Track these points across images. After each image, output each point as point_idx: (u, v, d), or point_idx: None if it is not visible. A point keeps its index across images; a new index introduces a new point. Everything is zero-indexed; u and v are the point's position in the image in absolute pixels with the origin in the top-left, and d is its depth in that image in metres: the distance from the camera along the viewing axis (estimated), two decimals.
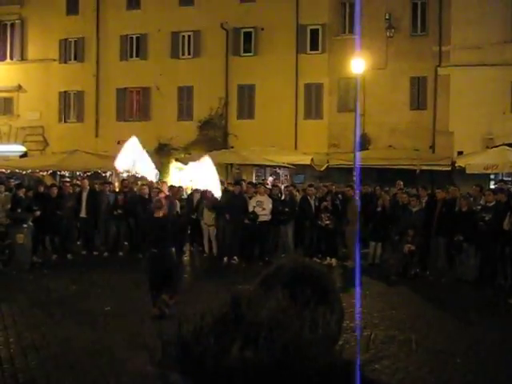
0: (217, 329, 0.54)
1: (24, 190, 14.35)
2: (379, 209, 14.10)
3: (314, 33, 25.00)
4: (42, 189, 15.11)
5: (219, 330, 0.53)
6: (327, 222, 14.02)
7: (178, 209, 14.92)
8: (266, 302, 0.58)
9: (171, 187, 16.05)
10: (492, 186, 18.49)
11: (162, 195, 9.34)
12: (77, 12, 27.89)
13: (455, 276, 12.32)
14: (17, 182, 16.48)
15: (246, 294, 0.57)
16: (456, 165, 19.78)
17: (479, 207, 12.60)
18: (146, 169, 8.99)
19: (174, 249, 9.11)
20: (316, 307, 0.89)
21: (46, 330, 8.20)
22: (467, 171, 18.43)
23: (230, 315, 0.56)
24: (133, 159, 8.97)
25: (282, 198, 15.30)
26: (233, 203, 14.40)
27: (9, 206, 13.80)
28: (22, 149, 28.33)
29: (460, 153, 22.07)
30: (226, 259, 14.37)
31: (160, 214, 8.90)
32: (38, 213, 13.77)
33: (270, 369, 0.51)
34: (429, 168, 19.85)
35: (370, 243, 14.08)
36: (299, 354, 0.53)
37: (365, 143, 22.97)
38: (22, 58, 28.84)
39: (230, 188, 15.36)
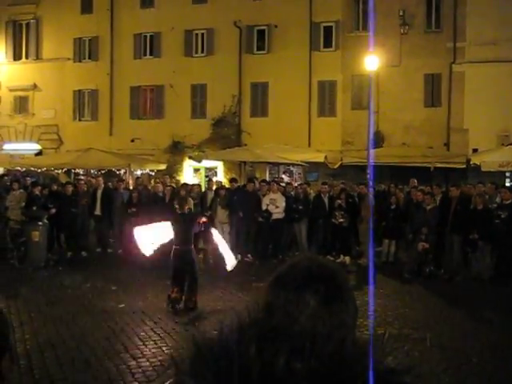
0: (257, 339, 0.52)
1: (40, 187, 14.47)
2: (393, 206, 14.04)
3: (328, 30, 24.91)
4: (55, 187, 15.24)
5: (260, 341, 0.52)
6: (341, 219, 13.98)
7: (192, 206, 14.96)
8: (300, 309, 0.58)
9: (184, 185, 16.09)
10: (508, 184, 18.30)
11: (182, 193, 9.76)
12: (91, 11, 28.05)
13: (470, 274, 12.23)
14: (32, 180, 16.62)
15: (278, 301, 0.56)
16: (471, 162, 19.60)
17: (495, 205, 12.49)
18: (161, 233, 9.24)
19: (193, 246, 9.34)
20: (331, 306, 0.89)
21: (62, 326, 8.28)
22: (482, 169, 18.25)
23: (266, 324, 0.55)
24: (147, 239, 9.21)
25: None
26: (246, 201, 14.41)
27: (24, 203, 13.93)
28: (37, 147, 28.58)
29: (475, 150, 21.87)
30: (239, 257, 14.38)
31: (183, 211, 9.33)
32: (54, 210, 13.88)
33: (321, 379, 0.50)
34: (443, 166, 19.69)
35: (384, 241, 14.02)
36: (344, 360, 0.52)
37: (378, 141, 22.85)
38: (37, 58, 29.07)
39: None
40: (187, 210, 9.66)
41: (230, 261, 9.19)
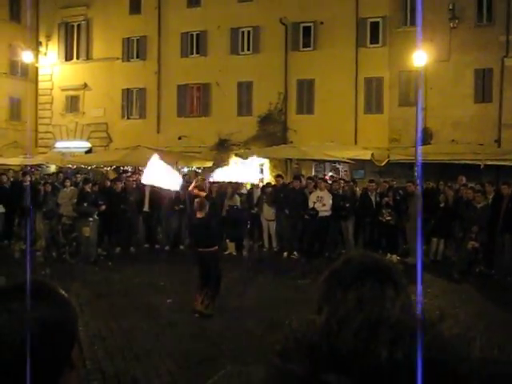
0: (357, 330, 0.54)
1: (90, 184, 14.85)
2: (442, 204, 13.78)
3: (375, 26, 24.60)
4: (108, 183, 15.61)
5: (359, 333, 0.54)
6: (388, 217, 13.83)
7: (239, 203, 15.08)
8: (388, 302, 0.59)
9: (230, 183, 16.19)
10: None
11: (202, 194, 9.36)
12: (139, 11, 28.54)
13: None
14: (83, 177, 17.05)
15: (364, 297, 0.58)
16: None
17: None
18: (170, 181, 9.24)
19: (216, 248, 9.06)
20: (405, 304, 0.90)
21: (111, 320, 8.48)
22: None
23: (359, 317, 0.57)
24: (155, 175, 9.28)
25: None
26: (292, 198, 14.41)
27: (75, 200, 14.32)
28: (88, 145, 29.30)
29: None
30: (285, 254, 14.41)
31: (202, 214, 8.85)
32: (104, 207, 14.22)
33: (422, 367, 0.52)
34: (494, 163, 19.17)
35: (432, 240, 13.79)
36: (441, 348, 0.54)
37: (426, 138, 22.44)
38: (88, 58, 29.79)
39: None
40: (203, 215, 8.95)
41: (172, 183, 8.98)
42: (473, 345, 0.56)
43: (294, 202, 14.32)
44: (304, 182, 15.47)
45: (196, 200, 9.13)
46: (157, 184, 9.06)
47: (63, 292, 1.21)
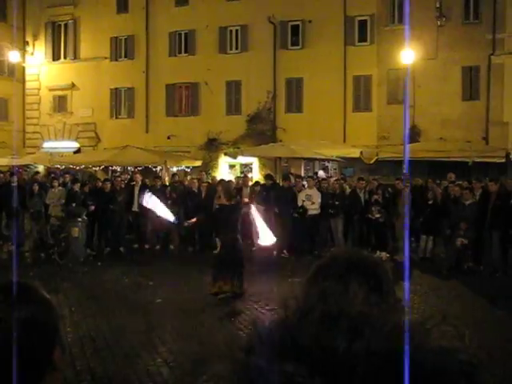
0: (318, 321, 0.55)
1: (79, 184, 14.77)
2: (430, 202, 13.85)
3: (362, 24, 24.66)
4: (99, 183, 15.55)
5: (319, 325, 0.55)
6: (377, 215, 13.88)
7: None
8: (351, 296, 0.60)
9: (221, 181, 16.18)
10: None
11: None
12: (127, 10, 28.42)
13: (510, 270, 11.98)
14: (72, 177, 16.96)
15: (328, 290, 0.58)
16: (511, 156, 19.18)
17: None
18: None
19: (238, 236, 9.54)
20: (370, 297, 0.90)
21: (101, 320, 8.45)
22: None
23: (321, 310, 0.57)
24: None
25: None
26: (281, 197, 14.42)
27: (63, 200, 14.24)
28: (76, 145, 29.13)
29: None
30: (275, 253, 14.42)
31: (230, 201, 9.53)
32: (93, 208, 14.16)
33: (381, 358, 0.53)
34: (482, 160, 19.29)
35: (422, 237, 13.86)
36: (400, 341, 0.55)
37: (415, 135, 22.53)
38: (75, 57, 29.61)
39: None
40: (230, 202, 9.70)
41: (265, 237, 9.30)
42: (431, 334, 0.56)
43: (282, 200, 14.33)
44: (293, 180, 15.49)
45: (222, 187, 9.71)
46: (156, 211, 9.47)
47: (44, 293, 1.20)
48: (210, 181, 16.73)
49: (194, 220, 10.03)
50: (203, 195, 15.34)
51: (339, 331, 0.51)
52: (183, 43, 27.57)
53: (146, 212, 15.21)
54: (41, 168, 24.26)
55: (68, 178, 16.54)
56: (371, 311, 0.56)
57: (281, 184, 15.37)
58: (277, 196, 14.42)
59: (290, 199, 14.44)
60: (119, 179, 16.30)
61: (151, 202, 9.69)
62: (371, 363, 0.51)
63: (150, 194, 9.70)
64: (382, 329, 0.53)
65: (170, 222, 9.22)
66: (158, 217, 9.73)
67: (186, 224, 10.13)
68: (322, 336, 0.53)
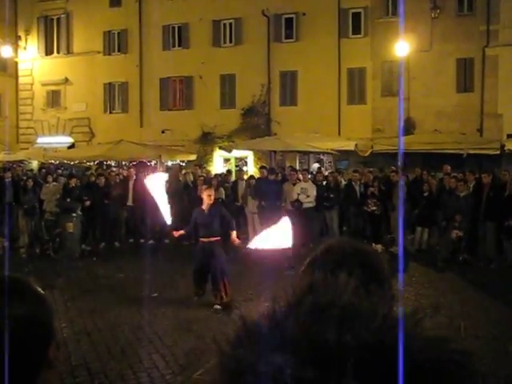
0: (307, 313, 0.54)
1: (75, 179, 14.73)
2: (426, 194, 13.87)
3: (356, 16, 24.58)
4: (93, 178, 15.50)
5: (307, 316, 0.54)
6: (373, 207, 13.89)
7: (223, 196, 15.05)
8: (341, 288, 0.59)
9: (216, 175, 16.18)
10: None
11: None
12: (119, 4, 28.25)
13: (505, 262, 12.03)
14: (68, 173, 16.91)
15: (318, 281, 0.58)
16: (505, 148, 19.19)
17: None
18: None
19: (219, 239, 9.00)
20: (367, 287, 0.90)
21: (96, 315, 8.43)
22: None
23: (310, 301, 0.57)
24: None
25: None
26: (269, 190, 14.42)
27: (58, 195, 14.19)
28: (70, 140, 29.01)
29: (510, 136, 21.38)
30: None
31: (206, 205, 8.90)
32: (88, 203, 14.12)
33: (371, 350, 0.52)
34: (477, 152, 19.31)
35: (417, 229, 13.88)
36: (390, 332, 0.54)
37: (410, 127, 22.53)
38: (68, 52, 29.44)
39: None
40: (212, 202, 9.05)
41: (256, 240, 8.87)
42: (420, 325, 0.55)
43: (269, 193, 14.34)
44: (279, 174, 15.50)
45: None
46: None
47: (38, 288, 1.18)
48: (204, 175, 16.66)
49: (181, 232, 9.46)
50: (199, 190, 15.32)
51: (329, 323, 0.50)
52: (177, 37, 27.45)
53: (141, 206, 15.22)
54: (35, 164, 24.18)
55: (61, 172, 16.49)
56: (361, 302, 0.55)
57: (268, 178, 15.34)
58: (264, 189, 14.43)
59: (277, 192, 14.44)
60: (113, 174, 16.24)
61: (157, 189, 9.29)
62: (362, 354, 0.50)
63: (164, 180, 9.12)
64: (371, 320, 0.53)
65: (164, 220, 8.83)
66: (156, 210, 9.38)
67: (174, 234, 9.60)
68: (311, 327, 0.52)
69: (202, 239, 8.97)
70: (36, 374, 1.11)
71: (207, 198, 8.97)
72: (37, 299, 1.17)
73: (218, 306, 8.62)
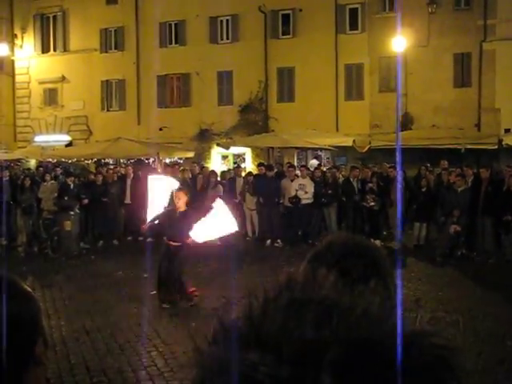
0: (284, 309, 0.53)
1: (72, 178, 14.71)
2: (424, 189, 13.86)
3: (354, 12, 24.54)
4: (92, 176, 15.48)
5: (285, 311, 0.53)
6: (372, 203, 13.88)
7: (222, 193, 15.03)
8: (320, 282, 0.58)
9: (213, 172, 16.17)
10: None
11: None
12: (116, 1, 28.16)
13: (503, 257, 12.04)
14: (66, 171, 16.88)
15: (297, 276, 0.57)
16: (503, 143, 19.22)
17: None
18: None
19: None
20: (368, 282, 0.88)
21: (95, 313, 8.42)
22: None
23: (288, 296, 0.56)
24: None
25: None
26: (266, 187, 14.42)
27: (56, 194, 14.16)
28: (67, 138, 28.96)
29: (507, 130, 21.42)
30: (269, 242, 14.43)
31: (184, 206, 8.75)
32: (86, 201, 14.09)
33: (350, 345, 0.51)
34: (474, 147, 19.33)
35: (415, 224, 13.88)
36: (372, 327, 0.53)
37: (407, 123, 22.54)
38: (65, 50, 29.37)
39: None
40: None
41: (226, 226, 8.76)
42: (392, 321, 0.54)
43: (267, 190, 14.36)
44: (275, 170, 15.53)
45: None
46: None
47: (23, 285, 1.16)
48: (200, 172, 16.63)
49: (149, 224, 9.31)
50: (198, 187, 15.34)
51: (305, 318, 0.50)
52: (174, 34, 27.39)
53: (139, 203, 15.22)
54: (32, 162, 24.14)
55: (59, 171, 16.46)
56: (340, 297, 0.54)
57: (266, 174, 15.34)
58: (261, 186, 14.44)
59: (275, 188, 14.45)
60: (111, 171, 16.22)
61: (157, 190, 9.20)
62: (339, 350, 0.49)
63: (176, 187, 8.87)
64: (350, 315, 0.52)
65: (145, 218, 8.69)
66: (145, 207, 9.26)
67: (143, 228, 9.50)
68: (287, 323, 0.52)
69: (165, 239, 8.93)
70: (22, 371, 1.10)
71: (176, 200, 8.79)
72: (22, 296, 1.15)
73: (167, 305, 8.60)
